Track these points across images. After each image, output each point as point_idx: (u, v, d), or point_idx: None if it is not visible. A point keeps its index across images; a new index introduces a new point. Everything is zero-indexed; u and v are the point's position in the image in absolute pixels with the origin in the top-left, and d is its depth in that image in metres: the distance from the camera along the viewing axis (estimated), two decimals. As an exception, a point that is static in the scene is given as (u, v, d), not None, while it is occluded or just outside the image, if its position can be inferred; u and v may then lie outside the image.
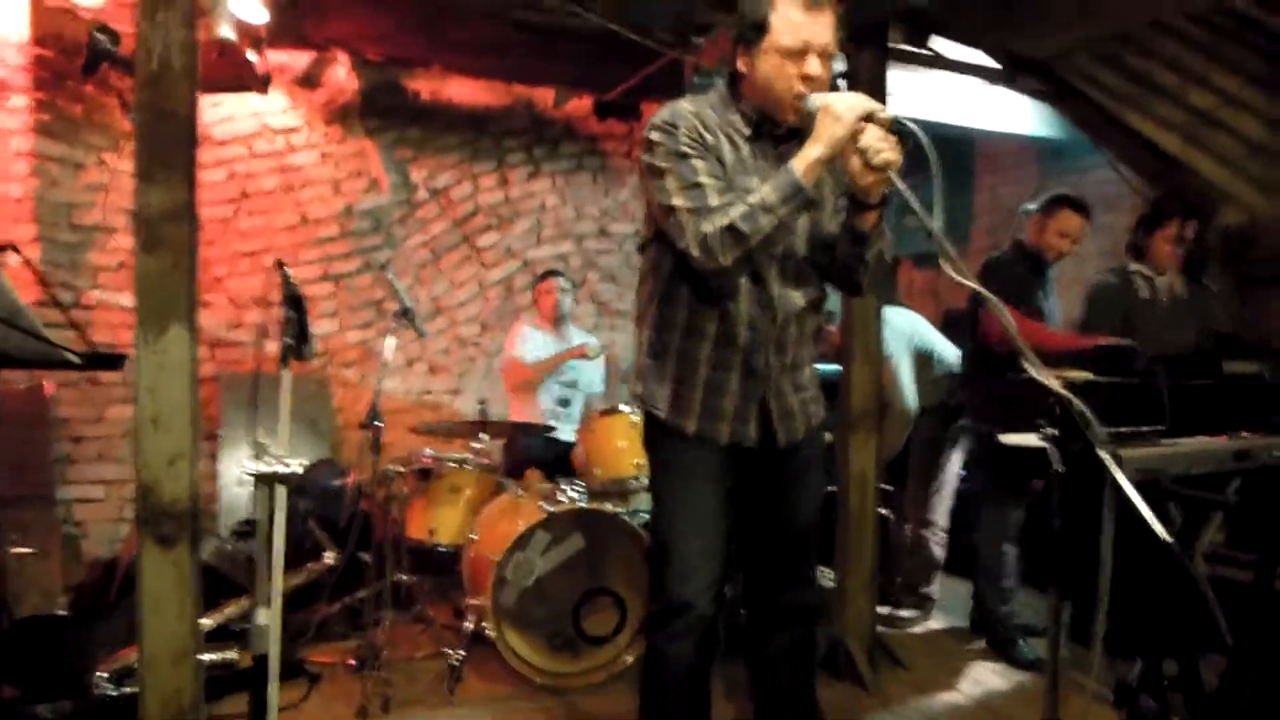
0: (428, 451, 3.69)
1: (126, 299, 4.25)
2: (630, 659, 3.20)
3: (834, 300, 2.35)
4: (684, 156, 1.91)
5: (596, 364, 4.47)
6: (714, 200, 1.88)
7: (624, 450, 3.41)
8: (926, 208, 1.62)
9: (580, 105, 5.36)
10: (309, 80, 4.82)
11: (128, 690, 2.62)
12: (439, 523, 3.55)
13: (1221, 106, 3.52)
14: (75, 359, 2.15)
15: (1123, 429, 2.00)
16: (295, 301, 1.89)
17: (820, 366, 2.24)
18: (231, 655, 2.55)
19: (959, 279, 1.59)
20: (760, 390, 2.05)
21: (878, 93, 3.16)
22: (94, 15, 3.90)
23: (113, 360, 2.27)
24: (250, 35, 3.83)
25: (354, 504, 3.87)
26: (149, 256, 2.23)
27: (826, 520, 2.84)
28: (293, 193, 4.82)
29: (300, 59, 4.73)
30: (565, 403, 4.31)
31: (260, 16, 3.73)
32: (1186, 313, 3.36)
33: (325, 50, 4.66)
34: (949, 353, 4.01)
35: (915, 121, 1.70)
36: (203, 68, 2.31)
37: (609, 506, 3.26)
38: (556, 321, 4.34)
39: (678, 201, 1.89)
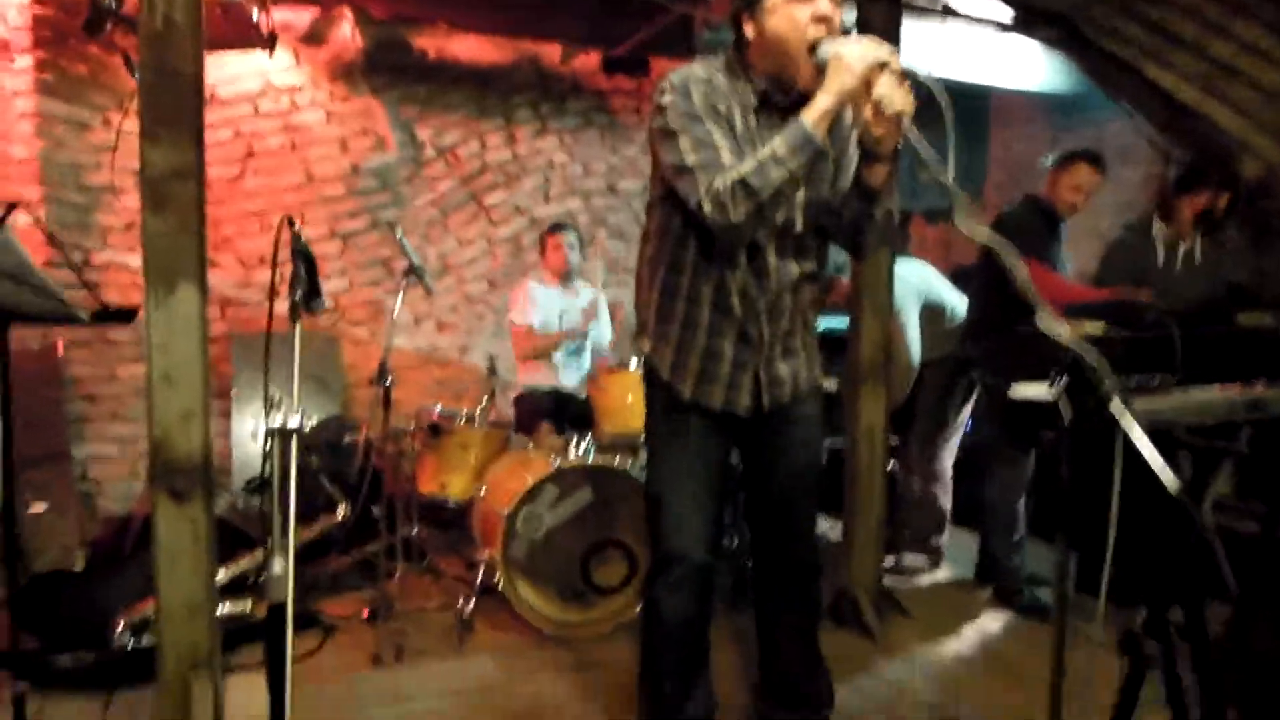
0: (438, 407, 3.71)
1: (136, 259, 4.25)
2: (639, 609, 3.24)
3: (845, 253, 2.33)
4: (697, 118, 1.91)
5: (604, 319, 4.47)
6: (726, 159, 1.88)
7: (632, 406, 3.42)
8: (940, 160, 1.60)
9: (587, 61, 5.29)
10: (313, 38, 4.76)
11: (146, 642, 2.68)
12: (449, 478, 3.58)
13: (1240, 54, 3.46)
14: (83, 316, 2.16)
15: (1134, 379, 2.00)
16: (305, 256, 1.89)
17: (830, 318, 2.24)
18: (246, 607, 2.60)
19: (971, 232, 1.57)
20: (754, 359, 2.08)
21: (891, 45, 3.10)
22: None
23: (125, 314, 2.27)
24: (254, -9, 3.79)
25: (365, 460, 3.91)
26: (156, 216, 2.22)
27: (833, 472, 2.84)
28: (299, 151, 4.80)
29: (304, 16, 4.67)
30: (575, 353, 4.31)
31: (263, -28, 3.69)
32: (1201, 275, 3.34)
33: (329, 7, 4.61)
34: (961, 305, 3.98)
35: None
36: (207, 26, 2.28)
37: (616, 461, 3.29)
38: (564, 276, 4.32)
39: (690, 160, 1.88)
